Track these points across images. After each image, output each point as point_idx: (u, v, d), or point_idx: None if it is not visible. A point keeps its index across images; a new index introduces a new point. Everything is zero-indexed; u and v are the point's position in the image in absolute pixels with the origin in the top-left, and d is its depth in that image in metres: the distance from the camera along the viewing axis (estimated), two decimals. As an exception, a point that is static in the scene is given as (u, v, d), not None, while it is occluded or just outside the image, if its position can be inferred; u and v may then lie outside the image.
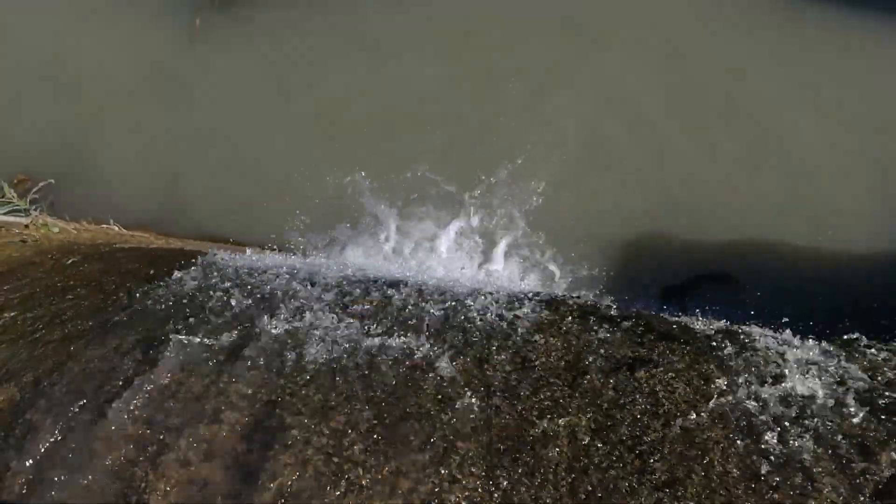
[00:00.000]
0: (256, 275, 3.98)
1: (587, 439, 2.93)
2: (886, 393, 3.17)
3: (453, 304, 3.66)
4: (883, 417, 3.02)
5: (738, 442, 2.90)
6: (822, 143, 5.66)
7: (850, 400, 3.11)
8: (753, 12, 6.25)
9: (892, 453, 2.83)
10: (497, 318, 3.61)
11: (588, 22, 6.32)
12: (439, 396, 3.13)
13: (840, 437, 2.93)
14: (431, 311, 3.58)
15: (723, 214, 5.56)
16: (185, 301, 3.85)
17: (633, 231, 5.53)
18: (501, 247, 5.17)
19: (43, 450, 3.13)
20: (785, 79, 6.01)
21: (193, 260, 4.28)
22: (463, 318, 3.58)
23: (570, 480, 2.78)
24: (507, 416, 3.04)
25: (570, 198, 5.57)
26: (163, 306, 3.82)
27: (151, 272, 4.17)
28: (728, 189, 5.61)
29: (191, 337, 3.51)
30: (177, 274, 4.13)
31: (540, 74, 6.09)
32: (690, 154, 5.73)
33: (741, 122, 5.81)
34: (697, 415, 3.01)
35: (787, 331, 3.79)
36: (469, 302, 3.68)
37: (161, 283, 4.07)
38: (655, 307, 4.76)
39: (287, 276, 3.92)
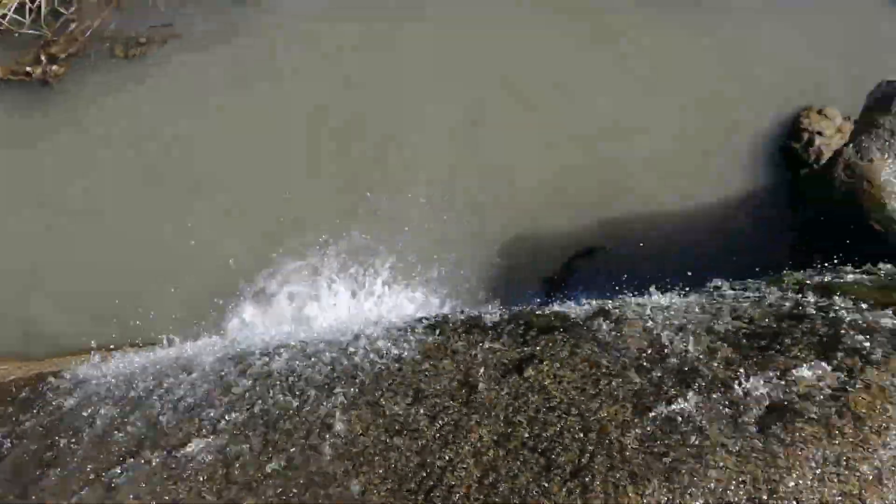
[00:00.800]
0: (127, 380, 3.73)
1: (491, 453, 2.94)
2: (750, 329, 3.41)
3: (338, 353, 3.59)
4: (750, 353, 3.24)
5: (630, 414, 3.01)
6: (658, 122, 6.08)
7: (719, 344, 3.32)
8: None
9: (762, 388, 3.03)
10: (384, 356, 3.57)
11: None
12: (340, 455, 3.05)
13: (716, 381, 3.11)
14: (316, 368, 3.50)
15: (588, 198, 5.82)
16: (52, 429, 3.55)
17: (507, 233, 5.67)
18: (383, 276, 5.12)
19: None
20: (613, 64, 6.43)
21: (56, 381, 3.96)
22: (350, 365, 3.52)
23: (482, 500, 2.78)
24: (411, 455, 3.00)
25: (444, 215, 5.64)
26: (28, 442, 3.50)
27: (10, 408, 3.81)
28: (586, 174, 5.88)
29: (65, 465, 3.23)
30: (40, 399, 3.81)
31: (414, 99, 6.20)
32: (544, 148, 5.97)
33: (584, 111, 6.14)
34: (588, 398, 3.10)
35: (656, 293, 4.02)
36: (352, 347, 3.62)
37: (24, 415, 3.73)
38: (538, 302, 4.90)
39: (158, 371, 3.70)
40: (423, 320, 3.98)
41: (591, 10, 6.66)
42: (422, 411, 3.19)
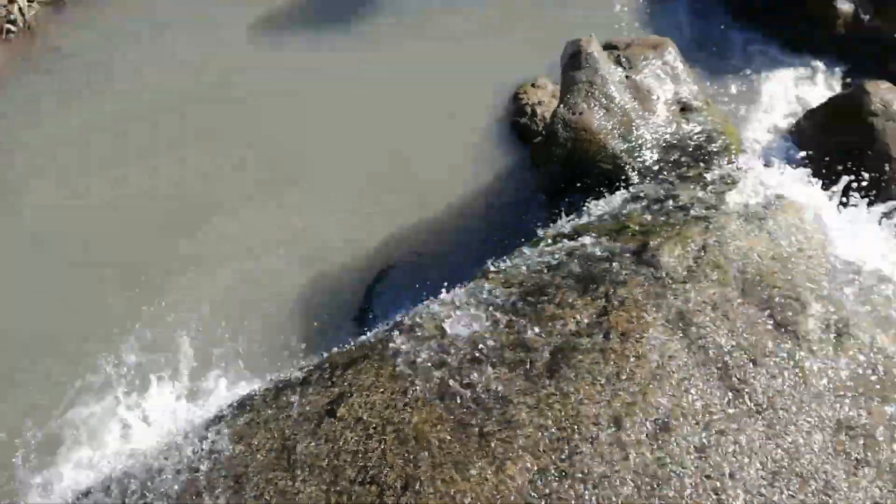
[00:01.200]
0: None
1: (322, 502, 2.90)
2: (520, 292, 3.72)
3: (145, 476, 3.33)
4: (525, 312, 3.53)
5: (440, 409, 3.13)
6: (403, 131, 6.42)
7: (500, 315, 3.58)
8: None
9: (542, 339, 3.32)
10: (195, 455, 3.38)
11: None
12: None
13: (504, 348, 3.35)
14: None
15: (372, 221, 5.95)
16: None
17: (308, 275, 5.60)
18: (185, 368, 4.78)
19: None
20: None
21: None
22: (161, 480, 3.28)
23: (325, 552, 2.73)
24: (245, 541, 2.87)
25: (240, 277, 5.45)
26: None
27: None
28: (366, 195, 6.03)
29: None
30: None
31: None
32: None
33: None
34: (400, 411, 3.18)
35: (442, 292, 4.22)
36: (160, 462, 3.38)
37: None
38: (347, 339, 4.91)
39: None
40: (231, 404, 3.82)
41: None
42: (246, 495, 3.06)
